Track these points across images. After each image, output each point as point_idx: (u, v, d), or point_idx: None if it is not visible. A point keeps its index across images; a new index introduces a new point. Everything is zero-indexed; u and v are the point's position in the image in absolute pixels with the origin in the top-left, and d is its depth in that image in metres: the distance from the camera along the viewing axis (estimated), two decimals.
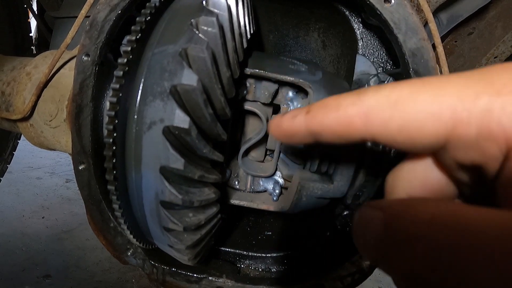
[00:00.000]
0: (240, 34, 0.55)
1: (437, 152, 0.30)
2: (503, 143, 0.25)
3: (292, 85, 0.68)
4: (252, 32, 0.64)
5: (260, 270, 0.77)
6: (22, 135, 0.97)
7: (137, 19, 0.51)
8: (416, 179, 0.33)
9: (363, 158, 0.65)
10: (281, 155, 0.72)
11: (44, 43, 1.77)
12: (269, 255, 0.78)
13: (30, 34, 1.76)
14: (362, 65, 0.75)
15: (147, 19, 0.51)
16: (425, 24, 0.63)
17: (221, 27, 0.48)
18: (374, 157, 0.64)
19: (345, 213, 0.77)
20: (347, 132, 0.31)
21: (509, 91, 0.25)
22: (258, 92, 0.68)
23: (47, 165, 3.74)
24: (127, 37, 0.49)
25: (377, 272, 0.64)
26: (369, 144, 0.64)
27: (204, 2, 0.49)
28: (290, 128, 0.35)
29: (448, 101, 0.27)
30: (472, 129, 0.26)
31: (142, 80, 0.49)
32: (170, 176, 0.47)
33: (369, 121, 0.29)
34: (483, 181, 0.29)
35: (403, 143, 0.29)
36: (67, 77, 0.81)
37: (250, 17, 0.64)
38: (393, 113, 0.28)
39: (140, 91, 0.49)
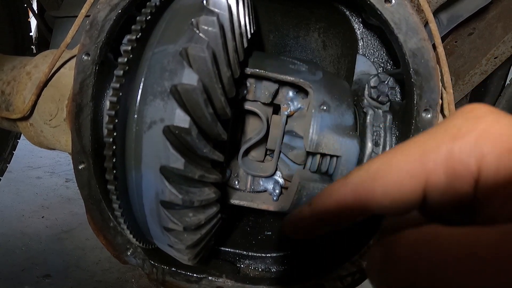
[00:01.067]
0: (241, 33, 0.55)
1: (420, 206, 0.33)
2: (470, 179, 0.29)
3: (292, 85, 0.68)
4: (252, 31, 0.64)
5: (260, 270, 0.77)
6: (22, 135, 0.97)
7: (138, 18, 0.51)
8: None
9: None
10: (281, 155, 0.72)
11: (44, 42, 1.76)
12: (269, 255, 0.78)
13: (30, 34, 1.76)
14: (362, 65, 0.74)
15: (148, 18, 0.51)
16: (426, 24, 0.63)
17: (221, 27, 0.48)
18: None
19: None
20: (344, 210, 0.34)
21: (463, 133, 0.29)
22: (258, 92, 0.68)
23: (47, 165, 3.74)
24: (128, 37, 0.49)
25: None
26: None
27: (204, 2, 0.49)
28: (300, 222, 0.40)
29: (415, 158, 0.31)
30: (441, 176, 0.30)
31: (143, 79, 0.49)
32: (170, 176, 0.47)
33: (357, 196, 0.33)
34: (464, 213, 0.32)
35: (391, 207, 0.32)
36: (67, 77, 0.81)
37: (251, 16, 0.64)
38: (374, 183, 0.32)
39: (140, 91, 0.49)
